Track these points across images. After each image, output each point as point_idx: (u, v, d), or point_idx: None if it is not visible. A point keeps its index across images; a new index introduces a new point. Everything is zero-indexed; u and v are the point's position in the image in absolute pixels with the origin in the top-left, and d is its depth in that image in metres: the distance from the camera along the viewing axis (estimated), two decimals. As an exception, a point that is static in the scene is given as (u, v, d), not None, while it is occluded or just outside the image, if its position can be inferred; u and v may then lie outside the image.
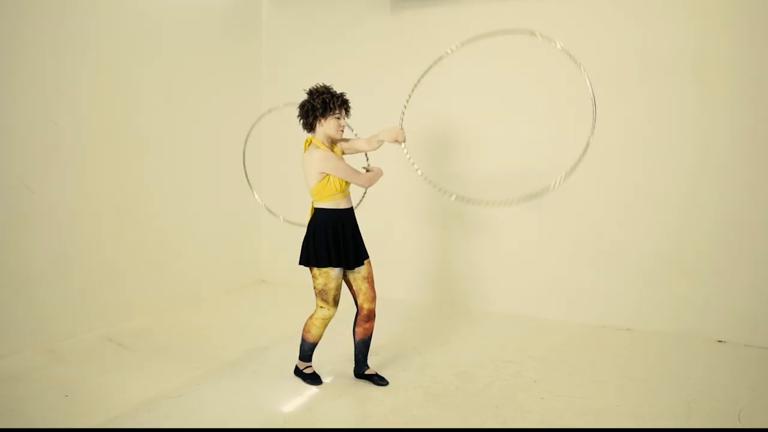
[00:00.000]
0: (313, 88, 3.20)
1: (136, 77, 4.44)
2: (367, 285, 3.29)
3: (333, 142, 3.29)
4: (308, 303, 3.79)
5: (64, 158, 3.97)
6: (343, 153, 3.34)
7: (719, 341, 4.13)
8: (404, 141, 3.17)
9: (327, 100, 3.13)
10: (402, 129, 3.17)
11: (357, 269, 3.26)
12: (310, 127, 3.23)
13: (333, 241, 3.14)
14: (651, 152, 4.29)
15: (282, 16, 5.57)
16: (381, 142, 3.25)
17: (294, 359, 3.53)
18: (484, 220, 4.80)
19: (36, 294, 3.85)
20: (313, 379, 3.38)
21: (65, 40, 3.94)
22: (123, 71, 4.34)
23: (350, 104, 3.26)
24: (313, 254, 3.17)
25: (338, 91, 3.21)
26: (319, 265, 3.15)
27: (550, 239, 4.64)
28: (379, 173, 3.31)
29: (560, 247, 4.60)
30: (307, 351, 3.38)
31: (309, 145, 3.23)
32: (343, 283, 3.32)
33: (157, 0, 4.60)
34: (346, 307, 3.50)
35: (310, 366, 3.43)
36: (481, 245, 4.86)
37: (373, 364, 3.56)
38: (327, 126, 3.18)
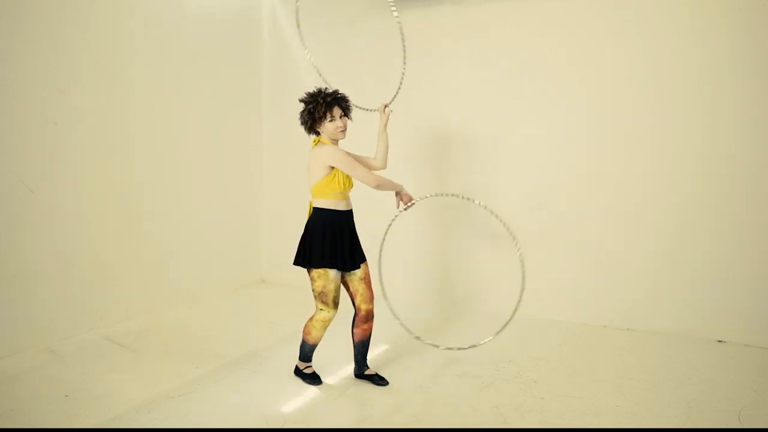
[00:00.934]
0: (305, 95, 3.17)
1: (137, 77, 4.44)
2: (364, 286, 3.27)
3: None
4: (308, 304, 3.78)
5: (64, 158, 3.97)
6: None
7: (719, 341, 4.13)
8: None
9: (320, 103, 3.10)
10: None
11: (353, 271, 3.25)
12: (313, 131, 3.22)
13: (330, 242, 3.12)
14: (652, 153, 4.28)
15: (283, 16, 5.57)
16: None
17: (294, 359, 3.53)
18: (485, 221, 4.79)
19: (36, 294, 3.85)
20: (313, 379, 3.38)
21: (65, 39, 3.94)
22: (123, 71, 4.34)
23: (345, 103, 3.18)
24: (310, 255, 3.14)
25: (330, 91, 3.15)
26: (316, 266, 3.13)
27: (551, 240, 4.63)
28: (394, 183, 3.28)
29: (560, 247, 4.60)
30: (307, 352, 3.38)
31: (317, 143, 3.19)
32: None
33: (157, 0, 4.60)
34: (346, 307, 3.50)
35: (310, 366, 3.42)
36: (481, 246, 4.85)
37: (373, 364, 3.56)
38: (325, 129, 3.16)
